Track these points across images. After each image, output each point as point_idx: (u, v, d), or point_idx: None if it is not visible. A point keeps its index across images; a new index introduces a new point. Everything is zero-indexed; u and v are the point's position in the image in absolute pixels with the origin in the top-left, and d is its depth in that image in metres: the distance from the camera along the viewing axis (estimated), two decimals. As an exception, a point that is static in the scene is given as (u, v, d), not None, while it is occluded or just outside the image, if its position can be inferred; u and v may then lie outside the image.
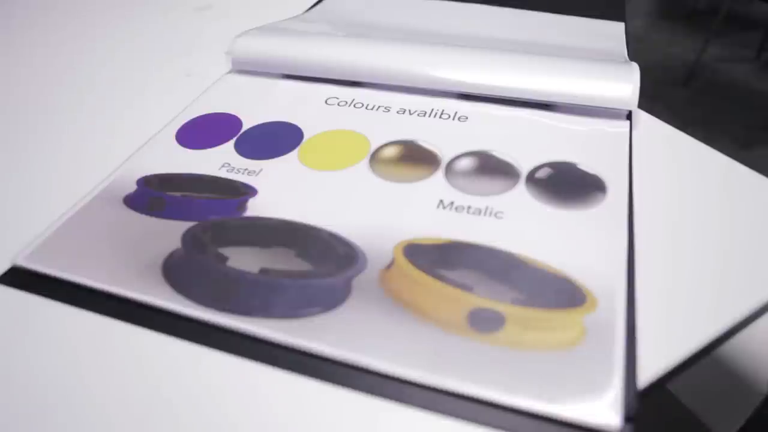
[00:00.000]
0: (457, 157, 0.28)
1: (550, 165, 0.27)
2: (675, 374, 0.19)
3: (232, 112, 0.32)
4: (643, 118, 0.30)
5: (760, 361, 0.22)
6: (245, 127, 0.31)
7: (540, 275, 0.22)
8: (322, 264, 0.22)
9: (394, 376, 0.19)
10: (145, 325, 0.21)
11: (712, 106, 1.51)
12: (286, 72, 0.35)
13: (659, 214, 0.24)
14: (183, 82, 0.35)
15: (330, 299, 0.21)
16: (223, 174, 0.27)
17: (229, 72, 0.36)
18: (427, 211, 0.25)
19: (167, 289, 0.22)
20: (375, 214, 0.25)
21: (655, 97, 1.52)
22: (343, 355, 0.19)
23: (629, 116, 0.29)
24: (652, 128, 0.29)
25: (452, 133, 0.29)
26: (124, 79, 0.36)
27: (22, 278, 0.23)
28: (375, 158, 0.28)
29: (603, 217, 0.24)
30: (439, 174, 0.27)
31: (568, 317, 0.20)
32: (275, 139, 0.30)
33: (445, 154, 0.28)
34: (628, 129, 0.29)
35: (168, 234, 0.24)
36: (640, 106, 0.29)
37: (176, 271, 0.22)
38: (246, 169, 0.28)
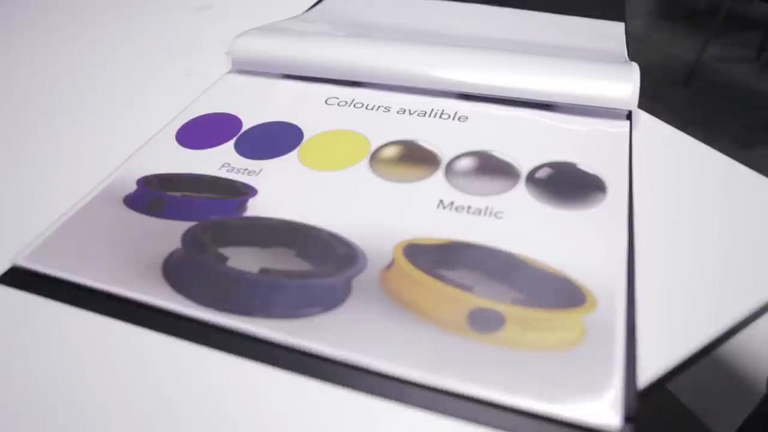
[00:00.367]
0: (457, 157, 0.28)
1: (550, 165, 0.27)
2: (675, 374, 0.19)
3: (232, 112, 0.32)
4: (643, 118, 0.30)
5: (760, 361, 0.22)
6: (245, 127, 0.31)
7: (540, 275, 0.22)
8: (322, 264, 0.22)
9: (394, 376, 0.19)
10: (145, 325, 0.21)
11: (712, 106, 1.51)
12: (286, 72, 0.35)
13: (659, 214, 0.24)
14: (183, 82, 0.35)
15: (330, 299, 0.21)
16: (223, 174, 0.27)
17: (229, 72, 0.36)
18: (427, 211, 0.25)
19: (167, 289, 0.22)
20: (375, 214, 0.25)
21: (655, 97, 1.52)
22: (343, 355, 0.19)
23: (629, 116, 0.29)
24: (652, 128, 0.29)
25: (452, 133, 0.29)
26: (124, 79, 0.36)
27: (22, 278, 0.23)
28: (375, 158, 0.28)
29: (603, 217, 0.24)
30: (439, 174, 0.27)
31: (568, 317, 0.20)
32: (275, 139, 0.30)
33: (445, 154, 0.28)
34: (628, 129, 0.29)
35: (168, 234, 0.24)
36: (640, 106, 0.29)
37: (176, 271, 0.22)
38: (246, 169, 0.28)
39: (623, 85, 0.29)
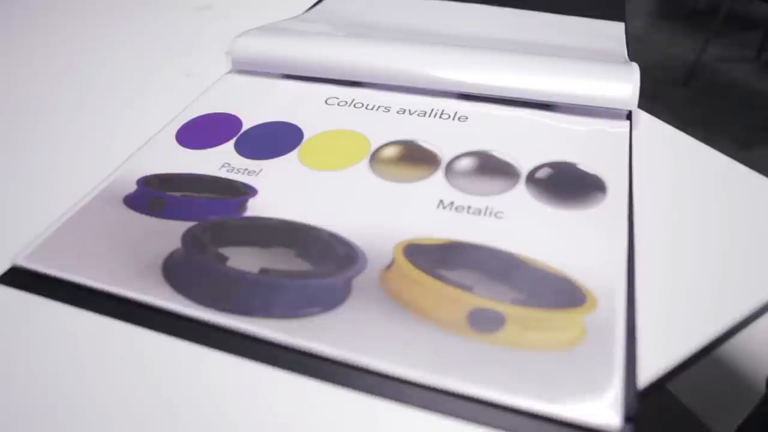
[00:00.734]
0: (457, 157, 0.28)
1: (550, 165, 0.27)
2: (675, 374, 0.19)
3: (232, 112, 0.32)
4: (643, 118, 0.30)
5: (760, 361, 0.22)
6: (245, 127, 0.31)
7: (540, 275, 0.22)
8: (322, 264, 0.22)
9: (394, 376, 0.19)
10: (145, 325, 0.21)
11: (712, 106, 1.51)
12: (286, 72, 0.35)
13: (659, 214, 0.24)
14: (183, 82, 0.35)
15: (330, 299, 0.21)
16: (223, 174, 0.27)
17: (229, 72, 0.36)
18: (427, 211, 0.25)
19: (167, 289, 0.22)
20: (375, 214, 0.25)
21: (655, 97, 1.52)
22: (343, 355, 0.19)
23: (629, 116, 0.29)
24: (652, 128, 0.29)
25: (452, 133, 0.29)
26: (124, 79, 0.36)
27: (22, 278, 0.23)
28: (375, 158, 0.28)
29: (603, 217, 0.24)
30: (439, 174, 0.27)
31: (568, 317, 0.20)
32: (275, 139, 0.30)
33: (445, 154, 0.28)
34: (628, 129, 0.29)
35: (168, 234, 0.24)
36: (640, 106, 0.29)
37: (176, 271, 0.22)
38: (246, 169, 0.28)
39: (623, 85, 0.29)
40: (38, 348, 0.20)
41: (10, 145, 0.31)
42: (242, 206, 0.25)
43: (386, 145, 0.29)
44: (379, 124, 0.30)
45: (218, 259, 0.23)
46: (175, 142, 0.30)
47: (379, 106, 0.32)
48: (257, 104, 0.33)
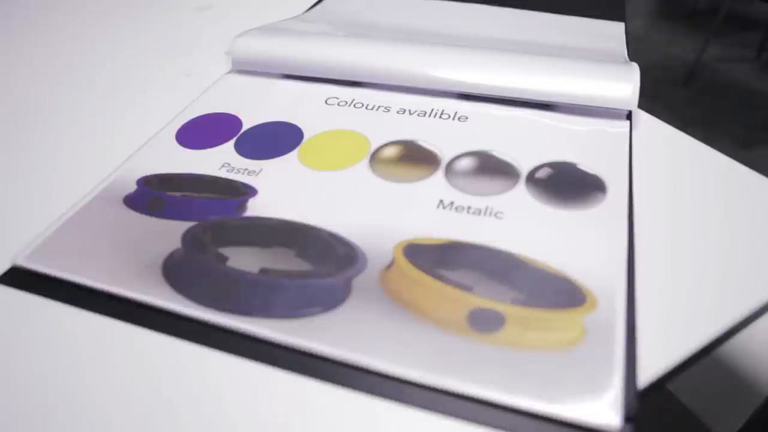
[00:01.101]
0: (457, 157, 0.28)
1: (550, 165, 0.27)
2: (675, 374, 0.19)
3: (232, 112, 0.32)
4: (643, 118, 0.30)
5: (760, 361, 0.22)
6: (245, 127, 0.31)
7: (540, 275, 0.22)
8: (322, 264, 0.22)
9: (394, 376, 0.19)
10: (145, 325, 0.21)
11: (712, 106, 1.51)
12: (286, 72, 0.35)
13: (659, 214, 0.24)
14: (183, 82, 0.35)
15: (330, 299, 0.21)
16: (223, 174, 0.27)
17: (229, 72, 0.36)
18: (427, 211, 0.25)
19: (167, 289, 0.22)
20: (375, 214, 0.25)
21: (655, 97, 1.52)
22: (343, 355, 0.19)
23: (629, 116, 0.29)
24: (652, 128, 0.29)
25: (452, 133, 0.29)
26: (125, 79, 0.36)
27: (22, 278, 0.23)
28: (375, 158, 0.28)
29: (603, 217, 0.24)
30: (439, 174, 0.27)
31: (568, 317, 0.20)
32: (275, 139, 0.30)
33: (445, 154, 0.28)
34: (628, 129, 0.29)
35: (168, 234, 0.24)
36: (640, 106, 0.29)
37: (176, 271, 0.22)
38: (246, 169, 0.28)
39: (623, 85, 0.29)
40: (38, 348, 0.20)
41: (10, 145, 0.31)
42: (242, 206, 0.25)
43: (386, 145, 0.29)
44: (379, 124, 0.30)
45: (218, 259, 0.23)
46: (175, 142, 0.30)
47: (379, 106, 0.32)
48: (257, 104, 0.33)
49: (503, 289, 0.21)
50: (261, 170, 0.27)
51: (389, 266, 0.22)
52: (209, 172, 0.28)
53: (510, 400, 0.18)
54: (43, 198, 0.27)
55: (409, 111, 0.31)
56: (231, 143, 0.29)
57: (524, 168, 0.27)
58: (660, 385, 0.18)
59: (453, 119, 0.30)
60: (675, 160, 0.27)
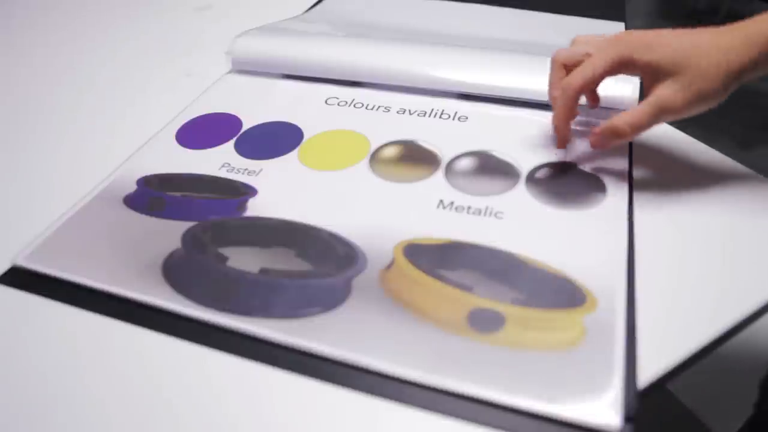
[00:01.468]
0: (457, 157, 0.28)
1: (550, 165, 0.27)
2: (675, 374, 0.19)
3: (232, 112, 0.32)
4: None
5: (760, 361, 0.22)
6: (245, 127, 0.31)
7: (540, 275, 0.22)
8: (322, 264, 0.23)
9: (394, 376, 0.19)
10: (145, 325, 0.21)
11: (712, 106, 1.51)
12: (286, 72, 0.35)
13: (659, 214, 0.24)
14: (183, 82, 0.35)
15: (330, 299, 0.21)
16: (223, 174, 0.27)
17: (229, 72, 0.36)
18: (427, 211, 0.25)
19: (167, 289, 0.22)
20: (375, 214, 0.25)
21: (655, 97, 1.51)
22: (343, 355, 0.19)
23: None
24: (652, 128, 0.29)
25: (452, 133, 0.29)
26: (125, 79, 0.36)
27: (22, 278, 0.23)
28: (375, 158, 0.28)
29: (603, 217, 0.24)
30: (439, 174, 0.27)
31: (568, 317, 0.20)
32: (275, 139, 0.30)
33: (445, 154, 0.28)
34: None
35: (168, 234, 0.24)
36: (640, 106, 0.29)
37: (176, 271, 0.22)
38: (246, 169, 0.28)
39: (623, 84, 0.29)
40: (38, 348, 0.20)
41: (10, 145, 0.31)
42: (242, 206, 0.25)
43: (386, 145, 0.29)
44: (379, 124, 0.30)
45: (218, 259, 0.23)
46: (175, 142, 0.30)
47: (379, 106, 0.32)
48: (257, 104, 0.33)
49: (503, 289, 0.21)
50: (261, 170, 0.28)
51: (389, 266, 0.22)
52: (209, 172, 0.28)
53: (510, 400, 0.18)
54: (43, 198, 0.27)
55: (409, 111, 0.31)
56: (231, 143, 0.29)
57: (524, 168, 0.27)
58: (660, 385, 0.18)
59: (453, 119, 0.30)
60: (675, 160, 0.27)
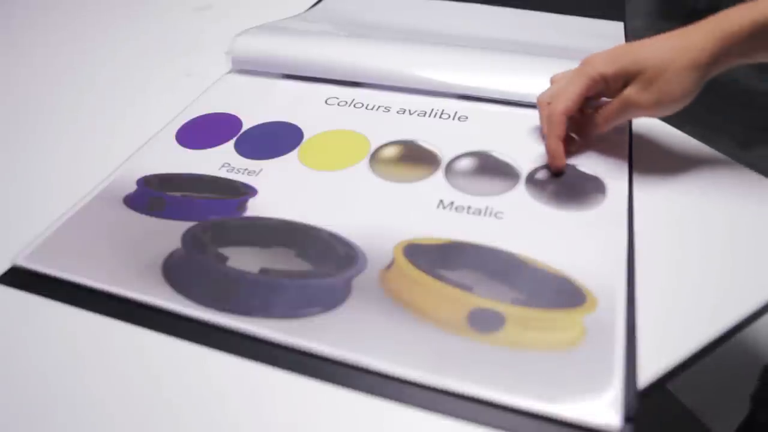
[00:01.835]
0: (457, 157, 0.28)
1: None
2: (675, 374, 0.19)
3: (232, 112, 0.32)
4: (642, 118, 0.30)
5: (760, 361, 0.22)
6: (245, 127, 0.31)
7: (540, 275, 0.22)
8: (322, 264, 0.23)
9: (395, 376, 0.19)
10: (145, 325, 0.21)
11: (711, 105, 1.51)
12: (286, 72, 0.35)
13: (659, 214, 0.24)
14: (183, 82, 0.35)
15: (330, 299, 0.21)
16: (223, 174, 0.27)
17: (229, 72, 0.36)
18: (427, 211, 0.25)
19: (167, 289, 0.22)
20: (375, 214, 0.25)
21: (655, 97, 1.51)
22: (343, 355, 0.19)
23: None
24: (651, 128, 0.29)
25: (452, 133, 0.29)
26: (125, 79, 0.36)
27: (22, 278, 0.23)
28: (375, 158, 0.28)
29: (603, 218, 0.24)
30: (439, 174, 0.27)
31: (568, 317, 0.20)
32: (275, 139, 0.30)
33: (445, 154, 0.28)
34: (628, 129, 0.29)
35: (168, 234, 0.24)
36: (640, 106, 0.29)
37: (176, 271, 0.22)
38: (246, 169, 0.28)
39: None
40: (38, 348, 0.20)
41: (10, 145, 0.31)
42: (242, 206, 0.25)
43: (386, 145, 0.29)
44: (379, 124, 0.30)
45: (218, 259, 0.23)
46: (175, 142, 0.30)
47: (379, 106, 0.32)
48: (257, 104, 0.33)
49: (503, 289, 0.21)
50: (261, 170, 0.28)
51: (389, 266, 0.22)
52: (209, 172, 0.28)
53: (510, 400, 0.18)
54: (43, 198, 0.27)
55: (409, 111, 0.31)
56: (231, 143, 0.29)
57: (524, 168, 0.27)
58: (660, 385, 0.18)
59: (453, 119, 0.30)
60: (674, 160, 0.27)
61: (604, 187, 0.25)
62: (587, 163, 0.27)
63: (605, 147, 0.27)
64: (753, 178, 0.26)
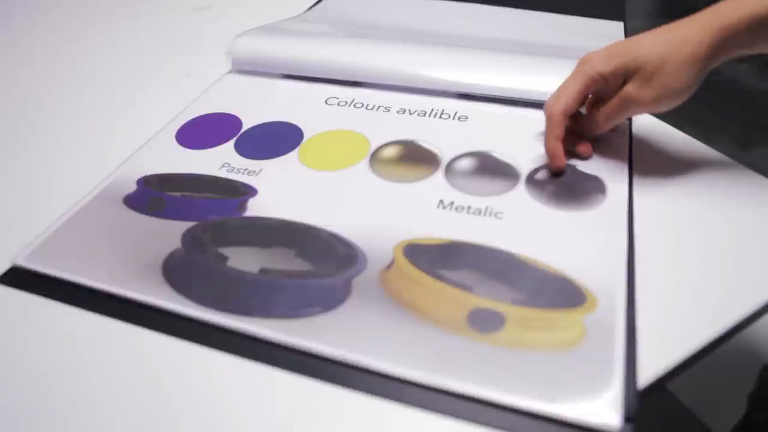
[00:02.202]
0: (457, 157, 0.28)
1: (550, 165, 0.27)
2: (675, 374, 0.19)
3: (232, 112, 0.32)
4: (642, 117, 0.30)
5: (760, 361, 0.22)
6: (245, 127, 0.31)
7: (540, 275, 0.22)
8: (322, 264, 0.23)
9: (395, 376, 0.19)
10: (145, 325, 0.21)
11: (711, 105, 1.51)
12: (286, 72, 0.35)
13: (659, 214, 0.24)
14: (183, 82, 0.35)
15: (330, 299, 0.21)
16: (223, 174, 0.27)
17: (229, 72, 0.36)
18: (427, 211, 0.25)
19: (167, 289, 0.22)
20: (375, 214, 0.25)
21: (655, 97, 1.51)
22: (343, 355, 0.19)
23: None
24: (651, 128, 0.29)
25: (452, 133, 0.29)
26: (125, 79, 0.36)
27: (22, 278, 0.23)
28: (375, 158, 0.28)
29: (603, 218, 0.24)
30: (439, 174, 0.27)
31: (568, 317, 0.20)
32: (275, 139, 0.30)
33: (445, 154, 0.28)
34: (627, 129, 0.29)
35: (168, 234, 0.24)
36: (640, 106, 0.29)
37: (176, 271, 0.22)
38: (246, 169, 0.28)
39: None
40: (38, 348, 0.20)
41: (10, 145, 0.31)
42: (242, 206, 0.25)
43: (386, 145, 0.29)
44: (379, 124, 0.30)
45: (218, 259, 0.23)
46: (175, 142, 0.30)
47: (379, 106, 0.32)
48: (257, 104, 0.33)
49: (503, 289, 0.21)
50: (261, 170, 0.28)
51: (389, 266, 0.22)
52: (209, 172, 0.28)
53: (510, 400, 0.18)
54: (43, 198, 0.27)
55: (409, 111, 0.31)
56: (231, 143, 0.29)
57: (524, 168, 0.27)
58: (660, 385, 0.18)
59: (453, 119, 0.30)
60: (675, 160, 0.27)
61: (604, 187, 0.25)
62: (587, 163, 0.27)
63: (605, 147, 0.27)
64: (753, 178, 0.26)
